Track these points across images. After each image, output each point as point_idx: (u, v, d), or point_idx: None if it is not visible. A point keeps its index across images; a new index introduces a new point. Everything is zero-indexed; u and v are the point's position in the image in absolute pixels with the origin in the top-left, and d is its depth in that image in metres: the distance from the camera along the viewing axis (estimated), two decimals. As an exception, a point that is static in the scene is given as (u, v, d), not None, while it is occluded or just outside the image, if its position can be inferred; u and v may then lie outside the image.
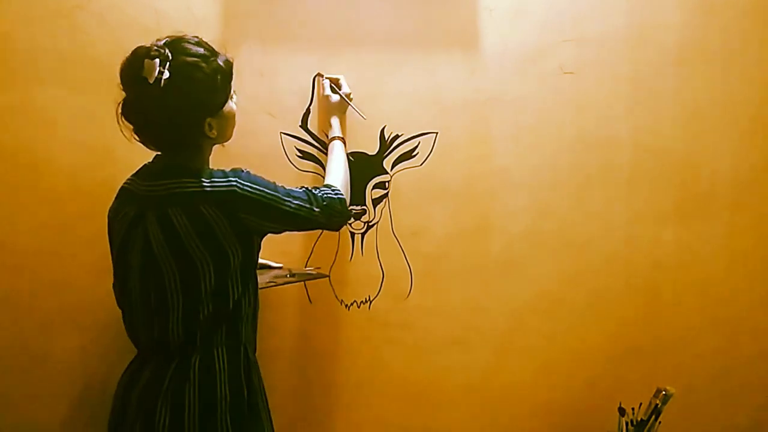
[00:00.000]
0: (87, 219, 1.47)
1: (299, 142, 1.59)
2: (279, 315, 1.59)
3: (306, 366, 1.62)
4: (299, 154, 1.59)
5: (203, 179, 1.15)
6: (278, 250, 1.55)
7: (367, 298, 1.64)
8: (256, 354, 1.30)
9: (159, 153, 1.22)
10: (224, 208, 1.14)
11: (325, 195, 1.29)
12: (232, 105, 1.24)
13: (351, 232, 1.63)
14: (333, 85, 1.54)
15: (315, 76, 1.57)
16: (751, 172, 1.73)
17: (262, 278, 1.41)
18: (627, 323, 1.72)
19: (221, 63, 1.19)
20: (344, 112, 1.56)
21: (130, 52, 1.14)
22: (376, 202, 1.63)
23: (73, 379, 1.52)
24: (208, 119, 1.18)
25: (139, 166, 1.24)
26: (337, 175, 1.39)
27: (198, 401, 1.14)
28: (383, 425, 1.65)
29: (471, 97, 1.63)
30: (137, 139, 1.18)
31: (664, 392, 1.54)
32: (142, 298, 1.18)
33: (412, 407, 1.66)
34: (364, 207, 1.62)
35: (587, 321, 1.71)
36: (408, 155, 1.63)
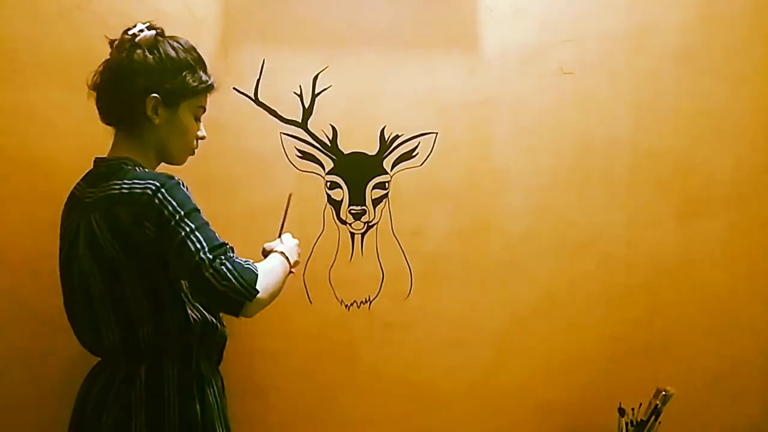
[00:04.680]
0: (87, 219, 1.46)
1: (299, 142, 1.59)
2: (279, 315, 1.59)
3: (306, 366, 1.62)
4: (299, 154, 1.59)
5: (126, 180, 1.08)
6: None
7: (367, 298, 1.64)
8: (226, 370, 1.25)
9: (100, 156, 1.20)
10: (137, 215, 1.05)
11: (236, 260, 1.04)
12: (192, 120, 1.19)
13: (351, 232, 1.62)
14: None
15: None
16: (751, 173, 1.73)
17: None
18: (627, 323, 1.71)
19: (201, 74, 1.17)
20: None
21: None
22: (376, 202, 1.63)
23: (74, 379, 1.52)
24: (154, 98, 1.12)
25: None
26: (264, 267, 1.13)
27: (144, 414, 1.10)
28: (383, 425, 1.65)
29: (471, 97, 1.63)
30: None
31: (664, 392, 1.54)
32: (79, 306, 1.17)
33: (412, 407, 1.66)
34: (364, 207, 1.62)
35: (587, 321, 1.70)
36: (408, 155, 1.63)
